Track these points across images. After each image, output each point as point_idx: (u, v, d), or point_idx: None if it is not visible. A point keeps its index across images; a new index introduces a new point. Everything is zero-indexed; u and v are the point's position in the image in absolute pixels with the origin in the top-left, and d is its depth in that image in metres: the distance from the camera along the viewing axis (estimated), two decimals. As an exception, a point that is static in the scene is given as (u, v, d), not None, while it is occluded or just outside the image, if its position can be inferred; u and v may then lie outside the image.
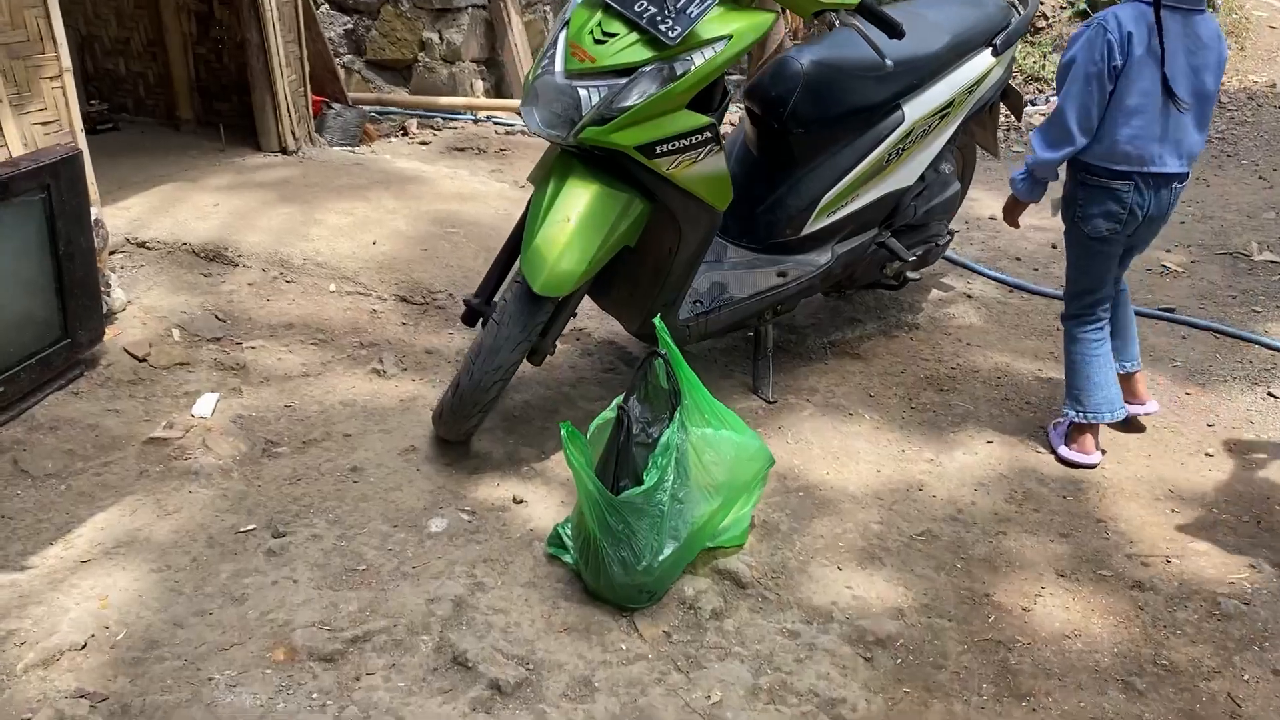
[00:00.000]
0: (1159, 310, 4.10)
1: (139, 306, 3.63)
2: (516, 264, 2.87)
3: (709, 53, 2.66)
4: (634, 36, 2.64)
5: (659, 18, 2.62)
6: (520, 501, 2.77)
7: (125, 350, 3.36)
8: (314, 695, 2.07)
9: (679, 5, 2.62)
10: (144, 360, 3.33)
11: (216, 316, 3.66)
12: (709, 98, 2.82)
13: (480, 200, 4.88)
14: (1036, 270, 4.54)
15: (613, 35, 2.66)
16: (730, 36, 2.67)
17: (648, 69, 2.62)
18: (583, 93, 2.66)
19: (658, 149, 2.69)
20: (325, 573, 2.44)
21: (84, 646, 2.14)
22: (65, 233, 3.03)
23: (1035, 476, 2.99)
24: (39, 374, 3.03)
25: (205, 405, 3.13)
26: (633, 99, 2.62)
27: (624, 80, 2.62)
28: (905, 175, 3.51)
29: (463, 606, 2.35)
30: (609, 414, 2.50)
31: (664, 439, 2.35)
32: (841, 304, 4.04)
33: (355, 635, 2.22)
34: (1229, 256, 4.75)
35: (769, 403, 3.37)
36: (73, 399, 3.09)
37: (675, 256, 2.96)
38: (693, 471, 2.38)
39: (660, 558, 2.31)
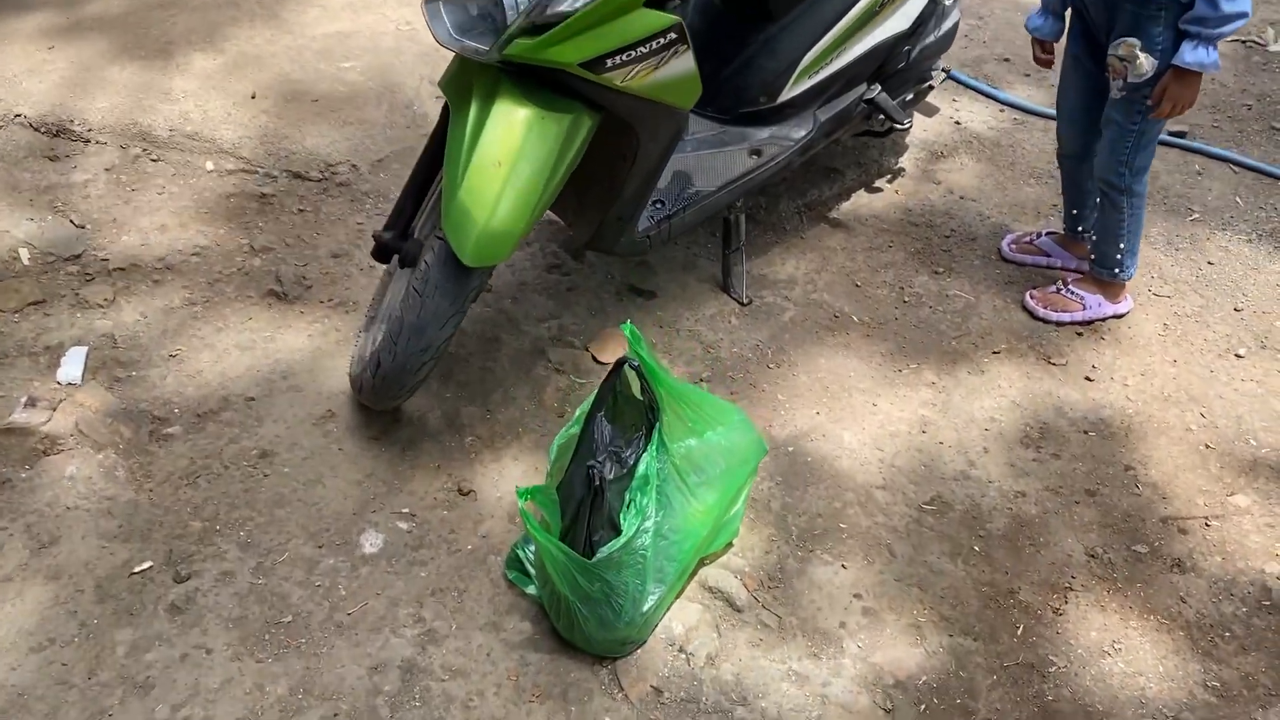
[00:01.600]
0: (1170, 135, 3.60)
1: (-33, 216, 2.96)
2: (435, 192, 2.30)
3: (670, -65, 1.99)
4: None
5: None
6: (467, 492, 2.35)
7: (-43, 293, 2.74)
8: None
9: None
10: (-18, 305, 2.73)
11: (72, 222, 3.02)
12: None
13: (374, 10, 4.08)
14: (1028, 76, 3.97)
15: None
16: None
17: (593, -40, 1.95)
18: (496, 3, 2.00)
19: (608, 62, 2.07)
20: (244, 632, 2.04)
21: None
22: None
23: (1052, 404, 2.62)
24: None
25: (73, 366, 2.59)
26: (572, 2, 1.97)
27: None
28: (900, 19, 2.89)
29: (413, 673, 1.98)
30: (573, 429, 2.05)
31: (642, 469, 1.92)
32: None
33: (288, 737, 1.86)
34: (1240, 46, 4.20)
35: (742, 304, 2.91)
36: (-97, 374, 2.52)
37: (633, 168, 2.40)
38: (677, 500, 1.97)
39: (644, 608, 1.94)
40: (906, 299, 2.95)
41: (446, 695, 1.96)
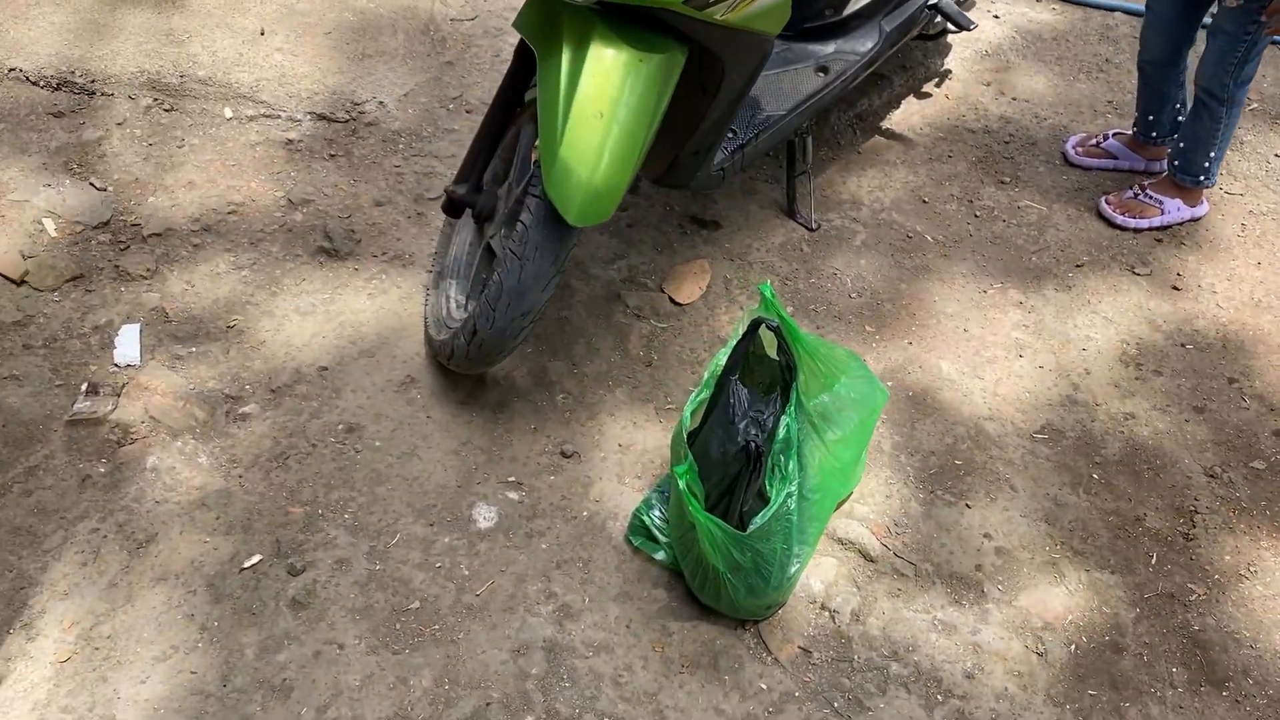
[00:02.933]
0: None
1: (-14, 186, 2.76)
2: (524, 150, 2.17)
3: None
4: None
5: None
6: (570, 455, 2.27)
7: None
8: None
9: None
10: (22, 283, 2.56)
11: (93, 185, 2.82)
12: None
13: (373, -73, 3.80)
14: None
15: None
16: None
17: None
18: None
19: (711, -3, 1.91)
20: (373, 623, 1.97)
21: None
22: None
23: (1144, 316, 2.58)
24: (-105, 349, 2.28)
25: (129, 346, 2.45)
26: (679, -64, 1.81)
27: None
28: (967, -83, 2.72)
29: (556, 652, 1.93)
30: (703, 393, 1.96)
31: (782, 432, 1.85)
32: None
33: (445, 734, 1.80)
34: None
35: (811, 230, 2.81)
36: (-53, 367, 2.36)
37: (715, 100, 2.27)
38: (816, 457, 1.91)
39: (790, 571, 1.90)
40: (977, 213, 2.87)
41: (594, 673, 1.91)
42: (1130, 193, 2.78)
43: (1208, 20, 2.55)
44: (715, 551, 1.80)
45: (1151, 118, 2.79)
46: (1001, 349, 2.51)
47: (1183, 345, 2.51)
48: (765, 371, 1.93)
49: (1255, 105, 3.21)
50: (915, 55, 3.36)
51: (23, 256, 2.60)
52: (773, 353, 1.93)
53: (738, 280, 2.67)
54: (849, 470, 1.97)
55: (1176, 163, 2.70)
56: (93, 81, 3.05)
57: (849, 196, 2.92)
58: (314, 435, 2.29)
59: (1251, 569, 2.08)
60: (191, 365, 2.42)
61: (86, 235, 2.69)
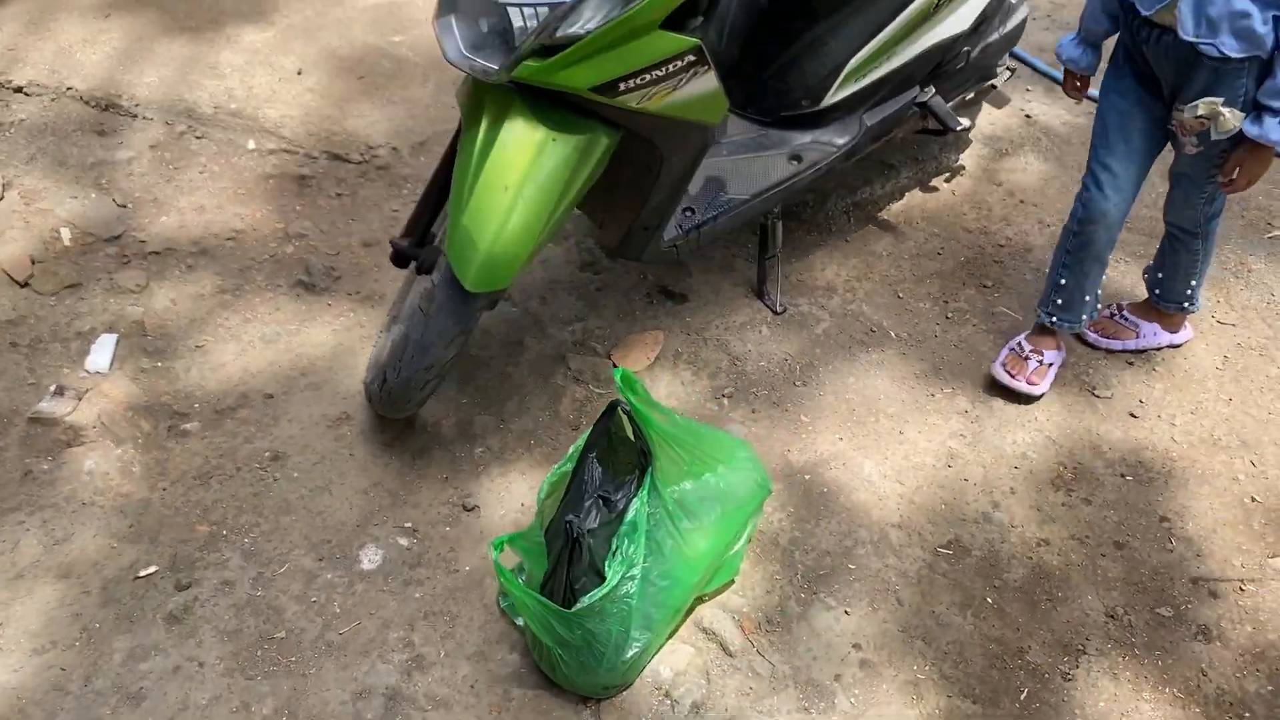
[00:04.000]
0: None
1: (19, 193, 3.01)
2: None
3: (688, -47, 1.87)
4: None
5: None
6: (471, 509, 2.33)
7: (4, 272, 2.79)
8: None
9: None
10: (25, 285, 2.78)
11: (115, 201, 3.04)
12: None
13: (434, -21, 4.00)
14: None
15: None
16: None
17: (603, -20, 1.85)
18: (513, 13, 1.91)
19: (621, 85, 1.97)
20: (238, 646, 2.06)
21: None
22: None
23: (1090, 441, 2.49)
24: (-108, 334, 2.51)
25: (102, 354, 2.63)
26: (583, 24, 1.88)
27: (569, 1, 1.87)
28: (960, 18, 2.71)
29: (396, 701, 1.99)
30: (565, 466, 2.00)
31: (630, 515, 1.87)
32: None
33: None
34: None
35: (776, 313, 2.81)
36: (-62, 357, 2.58)
37: (657, 181, 2.31)
38: (669, 545, 1.92)
39: (627, 655, 1.91)
40: (949, 314, 2.82)
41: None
42: (1108, 312, 2.70)
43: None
44: (537, 625, 1.83)
45: (1086, 299, 2.52)
46: (932, 456, 2.46)
47: (1122, 475, 2.41)
48: (626, 452, 1.96)
49: (1276, 233, 3.07)
50: (931, 148, 3.34)
51: (31, 261, 2.82)
52: (633, 435, 1.95)
53: (688, 355, 2.70)
54: (705, 561, 1.97)
55: (1156, 290, 2.60)
56: (136, 105, 3.30)
57: (824, 283, 2.91)
58: (241, 459, 2.42)
59: (1125, 719, 1.99)
60: (152, 379, 2.58)
61: (96, 247, 2.90)
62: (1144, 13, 2.06)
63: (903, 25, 2.60)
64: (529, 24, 1.92)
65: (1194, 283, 2.53)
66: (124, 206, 3.03)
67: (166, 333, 2.70)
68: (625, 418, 1.91)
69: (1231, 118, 2.06)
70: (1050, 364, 2.55)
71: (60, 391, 2.53)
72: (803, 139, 2.71)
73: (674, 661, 2.05)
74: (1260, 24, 1.93)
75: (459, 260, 2.05)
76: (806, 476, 2.42)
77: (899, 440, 2.50)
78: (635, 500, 1.88)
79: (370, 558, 2.23)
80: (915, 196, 3.20)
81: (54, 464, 2.39)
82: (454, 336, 2.16)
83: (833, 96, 2.66)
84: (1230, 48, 1.97)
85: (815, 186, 3.15)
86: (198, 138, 3.25)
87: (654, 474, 1.89)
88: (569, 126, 2.06)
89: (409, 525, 2.29)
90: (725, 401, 2.59)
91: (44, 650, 2.04)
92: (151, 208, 3.04)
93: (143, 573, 2.18)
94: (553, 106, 2.05)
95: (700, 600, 2.13)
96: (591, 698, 1.98)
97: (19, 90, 3.32)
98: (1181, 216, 2.42)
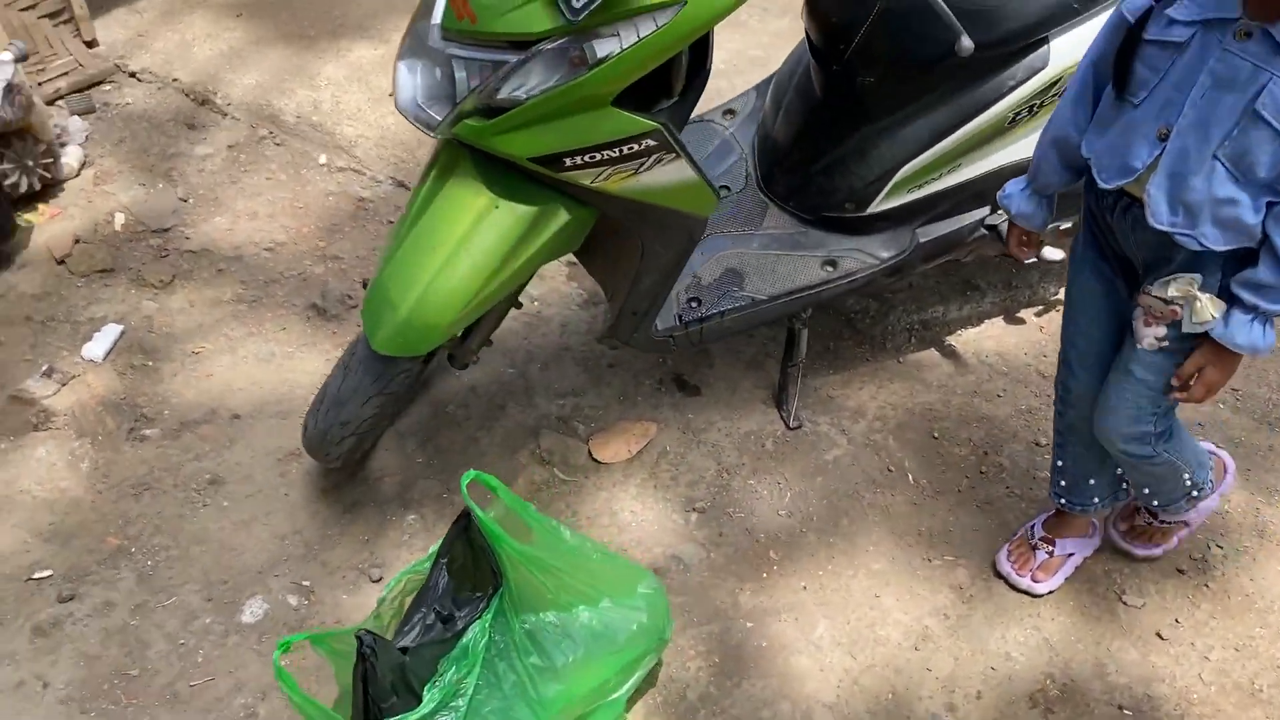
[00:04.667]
0: None
1: (94, 173, 3.11)
2: None
3: (647, 27, 1.67)
4: (540, -14, 1.67)
5: (569, -36, 1.63)
6: (377, 580, 2.17)
7: (47, 247, 2.87)
8: None
9: (601, -54, 1.61)
10: (61, 263, 2.84)
11: (178, 195, 3.09)
12: (667, 77, 1.83)
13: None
14: None
15: (512, -21, 1.69)
16: (683, 3, 1.65)
17: (548, 46, 1.67)
18: (457, 68, 1.75)
19: (566, 160, 1.78)
20: (89, 674, 1.98)
21: None
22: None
23: (1096, 657, 2.08)
24: (-83, 290, 2.61)
25: (101, 344, 2.64)
26: (523, 90, 1.70)
27: (513, 59, 1.69)
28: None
29: (213, 776, 1.84)
30: (424, 564, 1.81)
31: (466, 639, 1.66)
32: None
33: (55, 812, 1.77)
34: None
35: (789, 428, 2.52)
36: (-40, 318, 2.66)
37: (643, 264, 2.10)
38: (508, 681, 1.70)
39: (444, 791, 1.68)
40: (985, 469, 2.45)
41: (232, 812, 1.80)
42: (1142, 518, 2.25)
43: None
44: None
45: (1092, 481, 2.09)
46: (900, 632, 2.12)
47: (1120, 708, 2.00)
48: (484, 568, 1.75)
49: None
50: (1029, 274, 2.95)
51: (75, 240, 2.89)
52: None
53: (674, 455, 2.46)
54: (555, 708, 1.73)
55: (1155, 502, 2.07)
56: (229, 104, 3.35)
57: (855, 404, 2.60)
58: (183, 477, 2.36)
59: None
60: (137, 378, 2.57)
61: (142, 236, 2.94)
62: (1103, 185, 1.67)
63: (968, 138, 2.28)
64: (472, 81, 1.76)
65: (1186, 476, 2.00)
66: (184, 201, 3.07)
67: (170, 333, 2.69)
68: (474, 528, 1.70)
69: (1210, 306, 1.61)
70: (1068, 555, 2.15)
71: (49, 373, 2.55)
72: (842, 245, 2.42)
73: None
74: (1250, 213, 1.51)
75: (371, 319, 1.90)
76: (749, 624, 2.13)
77: (871, 605, 2.17)
78: (477, 624, 1.67)
79: (253, 610, 2.10)
80: (994, 326, 2.83)
81: (12, 444, 2.40)
82: (370, 396, 2.01)
83: (880, 204, 2.36)
84: (1213, 239, 1.55)
85: (879, 297, 2.85)
86: (276, 144, 3.26)
87: (506, 598, 1.67)
88: (522, 195, 1.88)
89: (306, 584, 2.16)
90: (693, 517, 2.33)
91: (-88, 634, 2.02)
92: (209, 206, 3.06)
93: (37, 575, 2.14)
94: (510, 171, 1.88)
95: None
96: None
97: (132, 75, 3.45)
98: (1123, 434, 1.84)
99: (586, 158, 1.79)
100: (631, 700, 1.96)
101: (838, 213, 2.40)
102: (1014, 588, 2.17)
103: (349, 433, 2.07)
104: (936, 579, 2.22)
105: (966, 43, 1.89)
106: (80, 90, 3.36)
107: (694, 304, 2.32)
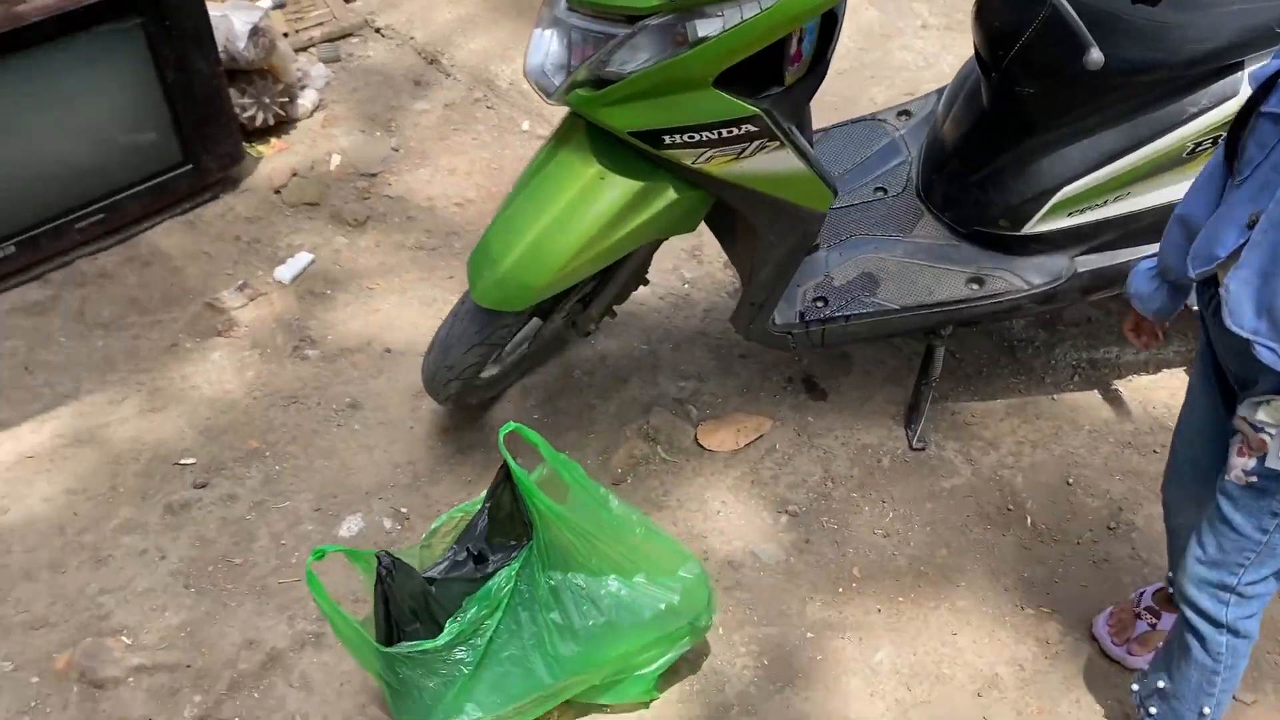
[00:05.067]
0: None
1: (324, 116, 3.41)
2: None
3: (750, 10, 1.66)
4: (668, -41, 1.70)
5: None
6: (465, 520, 2.27)
7: (269, 177, 3.18)
8: (68, 715, 1.90)
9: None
10: (278, 192, 3.15)
11: (391, 145, 3.34)
12: (775, 62, 1.80)
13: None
14: None
15: (632, -45, 1.74)
16: (791, -16, 1.63)
17: (653, 22, 1.70)
18: (575, 38, 1.81)
19: (665, 138, 1.80)
20: (198, 556, 2.21)
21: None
22: (174, 58, 2.82)
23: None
24: (152, 200, 2.97)
25: (291, 268, 2.91)
26: (625, 64, 1.74)
27: (622, 33, 1.73)
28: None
29: (273, 665, 2.02)
30: (473, 506, 1.89)
31: (493, 582, 1.73)
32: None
33: (139, 665, 1.99)
34: None
35: (911, 447, 2.43)
36: (185, 230, 3.01)
37: (757, 256, 2.10)
38: (529, 633, 1.76)
39: (449, 721, 1.76)
40: (1113, 524, 2.27)
41: (282, 701, 1.96)
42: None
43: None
44: (353, 649, 1.76)
45: None
46: (967, 674, 2.01)
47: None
48: (518, 523, 1.80)
49: None
50: (1229, 326, 2.67)
51: (292, 174, 3.18)
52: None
53: (782, 454, 2.43)
54: (569, 667, 1.76)
55: (1153, 711, 1.76)
56: (453, 66, 3.58)
57: (991, 435, 2.47)
58: (327, 397, 2.57)
59: None
60: (314, 303, 2.81)
61: (351, 178, 3.20)
62: (1191, 274, 1.44)
63: (1140, 164, 2.10)
64: (586, 51, 1.81)
65: (1207, 711, 1.68)
66: (395, 150, 3.31)
67: (352, 268, 2.92)
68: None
69: None
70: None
71: (243, 288, 2.84)
72: (992, 264, 2.29)
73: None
74: None
75: (474, 271, 2.00)
76: (809, 635, 2.08)
77: (944, 641, 2.06)
78: (505, 570, 1.73)
79: (350, 526, 2.26)
80: (1173, 377, 2.59)
81: (196, 345, 2.69)
82: (473, 345, 2.11)
83: (1036, 225, 2.22)
84: None
85: (1049, 327, 2.68)
86: (487, 107, 3.45)
87: (536, 552, 1.72)
88: (630, 170, 1.92)
89: (404, 511, 2.30)
90: (783, 519, 2.29)
91: (74, 493, 2.32)
92: (415, 158, 3.29)
93: (183, 461, 2.39)
94: (621, 146, 1.92)
95: (606, 707, 1.92)
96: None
97: (377, 31, 3.74)
98: (1198, 585, 1.58)
99: (686, 137, 1.79)
100: (667, 681, 1.96)
101: (991, 229, 2.28)
102: (1105, 654, 1.99)
103: (453, 376, 2.17)
104: (1023, 628, 2.08)
105: (1096, 55, 1.75)
106: (331, 40, 3.67)
107: (820, 303, 2.27)
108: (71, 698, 1.94)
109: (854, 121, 2.59)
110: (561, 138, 1.98)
